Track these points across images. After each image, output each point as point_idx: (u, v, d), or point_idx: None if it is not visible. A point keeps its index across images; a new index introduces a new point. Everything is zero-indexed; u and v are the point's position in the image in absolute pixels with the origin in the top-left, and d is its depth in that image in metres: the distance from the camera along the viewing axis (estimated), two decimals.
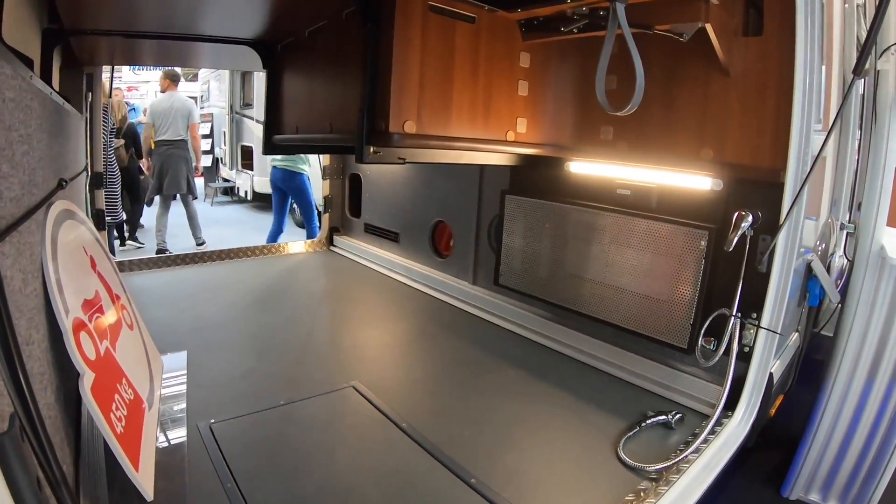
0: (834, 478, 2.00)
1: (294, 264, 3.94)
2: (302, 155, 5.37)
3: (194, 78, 12.41)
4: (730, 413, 1.82)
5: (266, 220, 8.55)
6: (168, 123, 5.97)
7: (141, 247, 6.52)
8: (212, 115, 10.85)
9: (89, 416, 1.19)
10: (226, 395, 1.93)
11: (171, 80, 6.15)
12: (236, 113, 9.15)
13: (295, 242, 4.32)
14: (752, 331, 1.83)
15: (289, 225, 7.77)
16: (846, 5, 2.23)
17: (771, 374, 1.82)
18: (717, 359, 1.84)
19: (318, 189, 4.72)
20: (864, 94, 2.43)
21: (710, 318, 1.89)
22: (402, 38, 1.78)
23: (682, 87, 2.00)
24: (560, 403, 2.00)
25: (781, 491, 2.11)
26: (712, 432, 1.74)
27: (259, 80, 7.52)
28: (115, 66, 4.48)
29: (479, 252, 3.03)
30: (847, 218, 2.81)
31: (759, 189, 1.83)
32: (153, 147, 6.22)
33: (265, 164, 8.36)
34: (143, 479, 1.26)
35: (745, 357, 1.85)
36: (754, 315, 1.82)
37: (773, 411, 2.01)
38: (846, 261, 2.49)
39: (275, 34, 2.80)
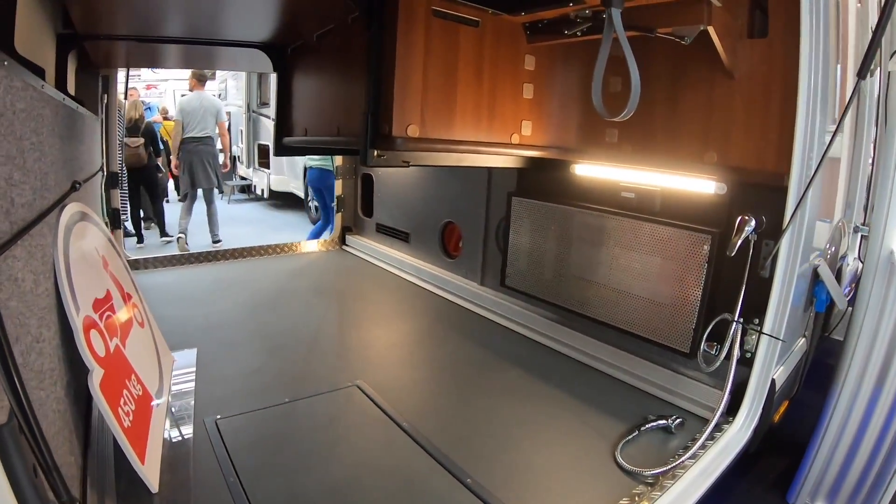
0: (840, 485, 1.97)
1: (306, 263, 4.01)
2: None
3: (212, 77, 12.62)
4: (730, 419, 1.80)
5: (282, 217, 8.69)
6: (197, 121, 6.21)
7: (171, 240, 6.71)
8: (229, 113, 11.04)
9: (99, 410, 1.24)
10: (233, 391, 1.98)
11: (199, 81, 6.39)
12: (253, 112, 9.29)
13: (308, 242, 4.39)
14: (754, 336, 1.81)
15: (304, 223, 7.89)
16: (859, 5, 2.19)
17: (773, 381, 1.79)
18: (718, 364, 1.83)
19: None
20: (878, 96, 2.39)
21: (713, 323, 1.88)
22: (404, 42, 1.80)
23: (686, 89, 1.99)
24: (562, 405, 2.01)
25: (787, 497, 2.09)
26: (711, 438, 1.73)
27: (274, 80, 7.60)
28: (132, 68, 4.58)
29: (488, 253, 3.05)
30: (862, 220, 2.76)
31: (763, 193, 1.81)
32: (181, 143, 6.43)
33: (281, 163, 8.50)
34: (149, 471, 1.32)
35: (746, 363, 1.83)
36: (756, 321, 1.81)
37: (777, 417, 1.99)
38: (860, 264, 2.44)
39: (284, 38, 2.84)
